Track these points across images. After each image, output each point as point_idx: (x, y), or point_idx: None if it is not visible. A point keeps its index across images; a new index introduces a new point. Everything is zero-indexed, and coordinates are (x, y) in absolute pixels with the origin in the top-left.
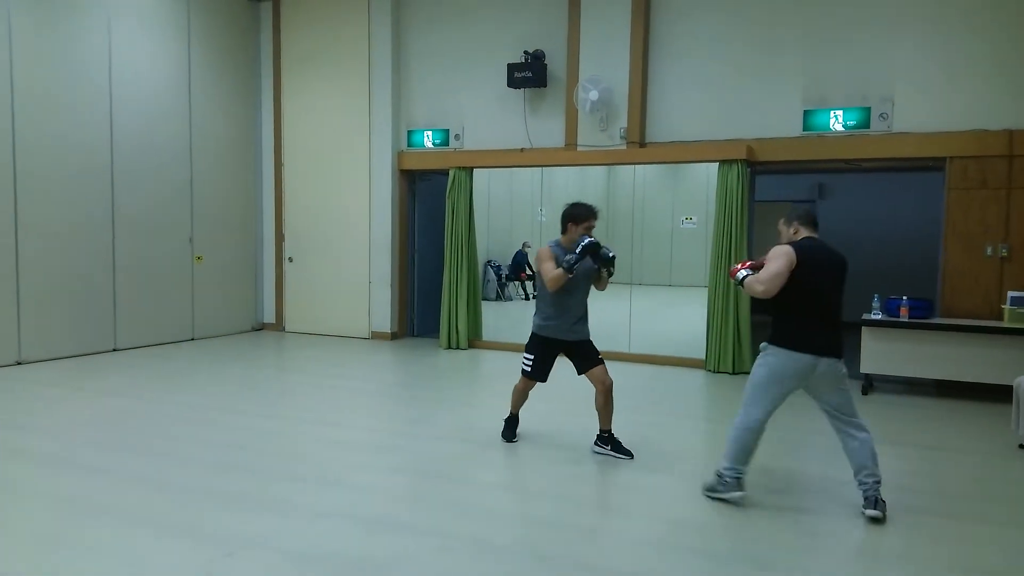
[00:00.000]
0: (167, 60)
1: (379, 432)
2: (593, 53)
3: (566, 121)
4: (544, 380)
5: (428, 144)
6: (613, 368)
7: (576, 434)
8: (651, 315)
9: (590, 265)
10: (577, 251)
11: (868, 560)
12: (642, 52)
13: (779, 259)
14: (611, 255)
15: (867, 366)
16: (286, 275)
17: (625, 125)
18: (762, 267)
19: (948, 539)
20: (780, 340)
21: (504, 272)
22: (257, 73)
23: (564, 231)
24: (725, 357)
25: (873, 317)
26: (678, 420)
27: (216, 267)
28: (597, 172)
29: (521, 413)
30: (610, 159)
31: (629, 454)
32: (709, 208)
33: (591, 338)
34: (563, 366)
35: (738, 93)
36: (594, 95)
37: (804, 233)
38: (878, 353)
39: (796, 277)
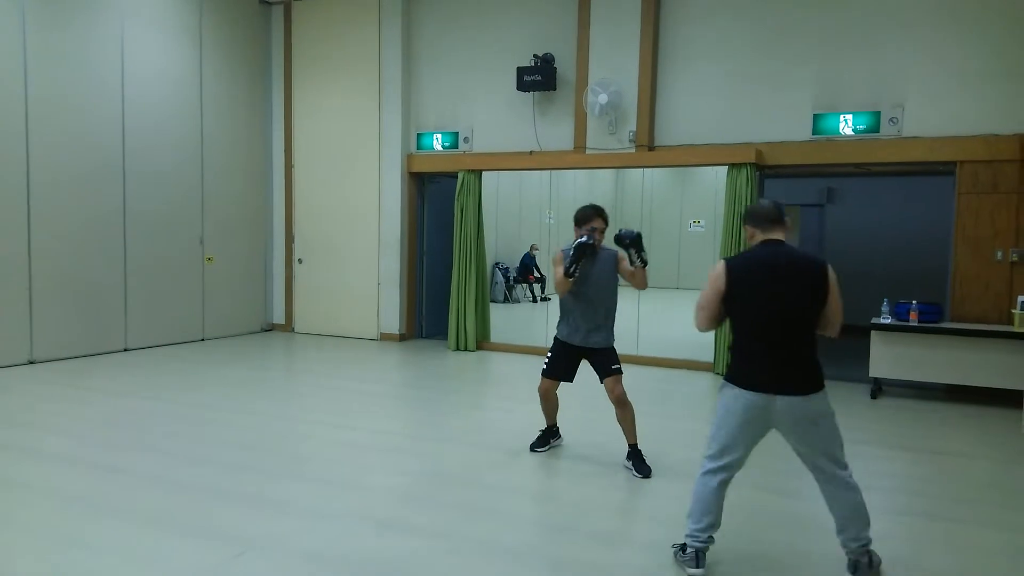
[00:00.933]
0: (179, 62)
1: (389, 434)
2: (602, 56)
3: (575, 124)
4: (566, 379)
5: (437, 147)
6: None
7: (593, 438)
8: (659, 318)
9: (603, 269)
10: (571, 253)
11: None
12: (651, 55)
13: (707, 287)
14: (633, 234)
15: (876, 370)
16: (296, 276)
17: (634, 128)
18: None
19: (958, 545)
20: (728, 374)
21: (512, 274)
22: (268, 75)
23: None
24: None
25: (883, 321)
26: (687, 424)
27: (226, 268)
28: (606, 175)
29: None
30: (619, 162)
31: (644, 472)
32: (717, 212)
33: (613, 346)
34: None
35: (747, 97)
36: (603, 98)
37: (760, 238)
38: (887, 357)
39: (735, 299)
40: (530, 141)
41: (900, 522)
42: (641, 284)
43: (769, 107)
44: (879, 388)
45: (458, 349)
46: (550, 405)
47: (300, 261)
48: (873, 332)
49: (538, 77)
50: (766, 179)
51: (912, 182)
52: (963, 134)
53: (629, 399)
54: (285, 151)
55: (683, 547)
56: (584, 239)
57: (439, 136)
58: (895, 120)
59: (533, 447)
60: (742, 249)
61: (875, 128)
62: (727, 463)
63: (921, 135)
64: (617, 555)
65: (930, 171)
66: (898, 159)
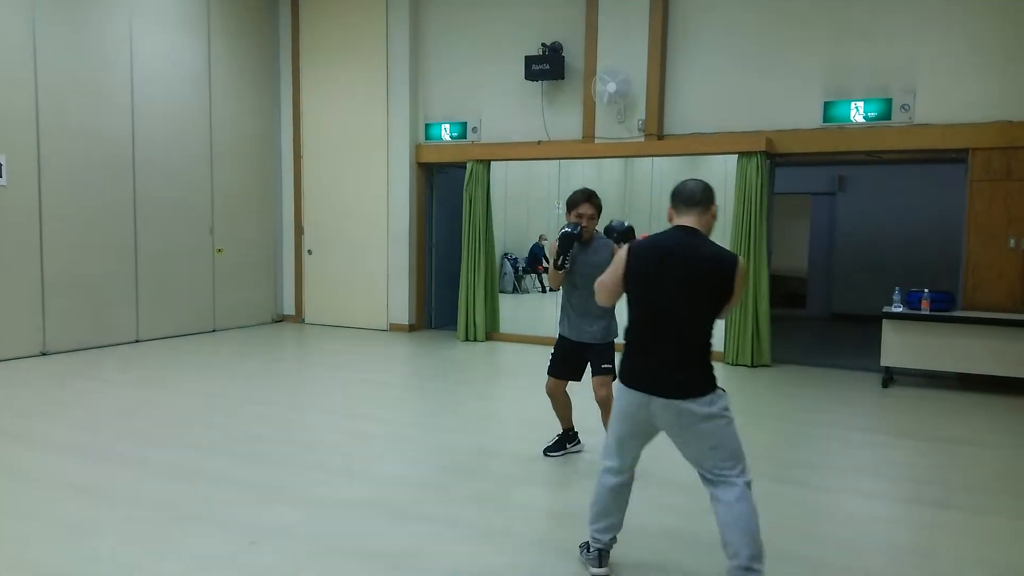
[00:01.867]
0: (187, 54)
1: (399, 424)
2: (611, 45)
3: (583, 113)
4: (572, 378)
5: (446, 137)
6: None
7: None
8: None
9: (597, 259)
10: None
11: (889, 554)
12: (660, 43)
13: (611, 267)
14: (623, 227)
15: (888, 359)
16: (305, 267)
17: (643, 117)
18: None
19: (972, 534)
20: (619, 367)
21: (521, 265)
22: (276, 66)
23: None
24: (744, 350)
25: (894, 310)
26: None
27: (237, 259)
28: (614, 164)
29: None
30: (628, 151)
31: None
32: (728, 201)
33: (612, 342)
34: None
35: (757, 84)
36: (612, 87)
37: (675, 221)
38: (899, 346)
39: (630, 286)
40: (538, 131)
41: (911, 510)
42: None
43: (779, 95)
44: (891, 377)
45: (467, 340)
46: (559, 404)
47: (310, 252)
48: (885, 321)
49: (546, 66)
50: (777, 167)
51: (924, 169)
52: (976, 121)
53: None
54: (294, 142)
55: (587, 545)
56: (568, 229)
57: (447, 126)
58: (907, 107)
59: (547, 451)
60: (755, 239)
61: (886, 115)
62: (618, 464)
63: (933, 122)
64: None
65: (942, 158)
66: (910, 146)
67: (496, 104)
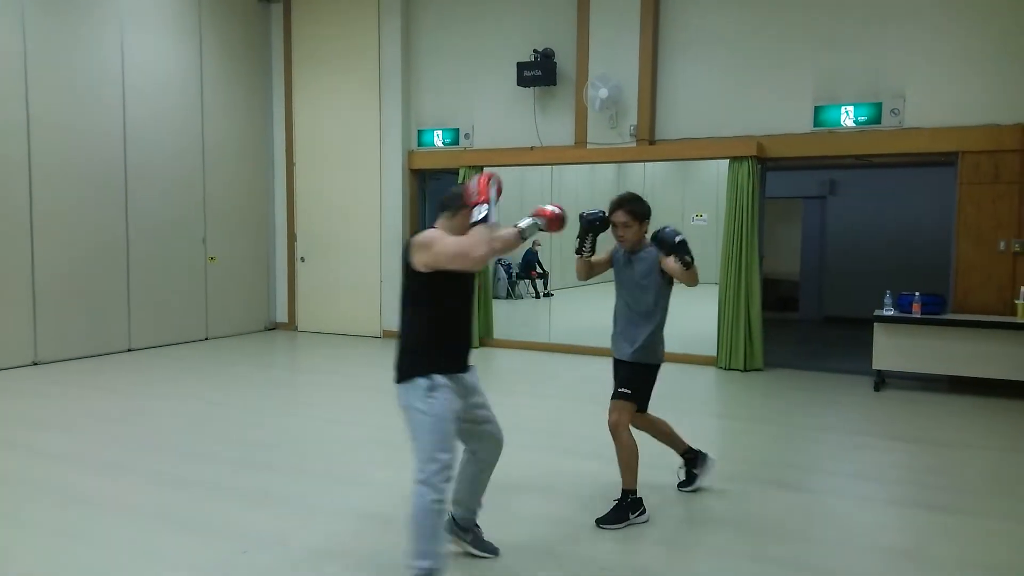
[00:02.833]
0: (179, 62)
1: (393, 430)
2: (603, 51)
3: (576, 119)
4: (636, 408)
5: (438, 143)
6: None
7: (599, 437)
8: None
9: (639, 269)
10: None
11: (881, 557)
12: (652, 49)
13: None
14: (673, 241)
15: (879, 362)
16: (298, 275)
17: (635, 123)
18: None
19: (961, 536)
20: None
21: (515, 271)
22: (268, 73)
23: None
24: (736, 354)
25: (885, 313)
26: (690, 417)
27: (229, 267)
28: (607, 170)
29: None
30: (620, 157)
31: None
32: (719, 205)
33: (641, 363)
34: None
35: (748, 89)
36: (604, 93)
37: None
38: (890, 349)
39: None
40: (531, 137)
41: (903, 513)
42: (689, 279)
43: (770, 100)
44: (882, 380)
45: None
46: (654, 432)
47: (303, 259)
48: (876, 324)
49: (538, 72)
50: (768, 172)
51: (914, 173)
52: (965, 124)
53: (626, 434)
54: (286, 150)
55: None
56: (586, 212)
57: (440, 133)
58: (896, 111)
59: (680, 487)
60: (747, 243)
61: (876, 119)
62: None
63: (922, 126)
64: (619, 548)
65: (932, 162)
66: (900, 150)
67: (488, 110)
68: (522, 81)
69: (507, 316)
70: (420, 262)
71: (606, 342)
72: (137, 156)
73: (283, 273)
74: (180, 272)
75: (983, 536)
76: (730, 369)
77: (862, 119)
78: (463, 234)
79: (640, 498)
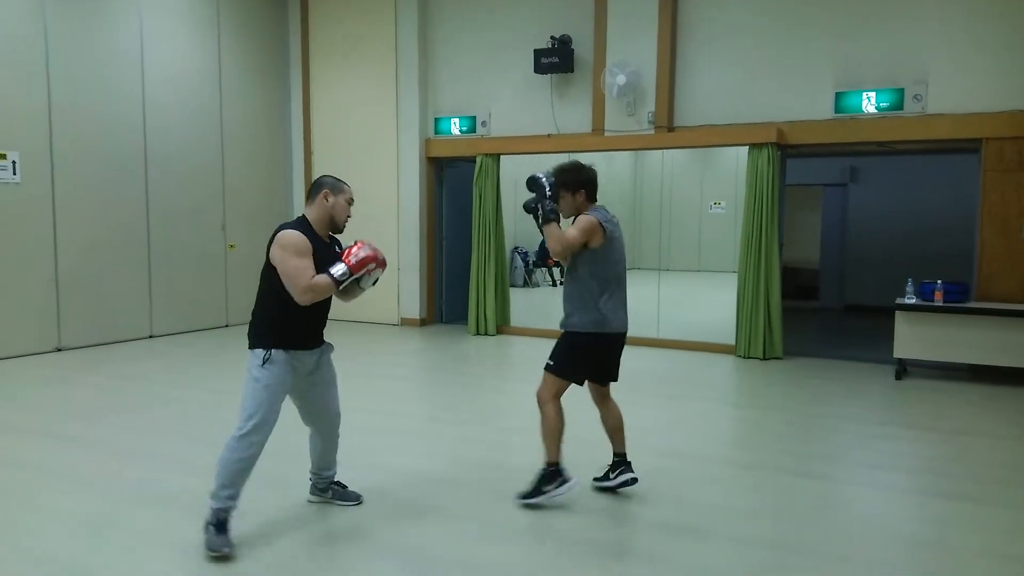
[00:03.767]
0: (198, 52)
1: (411, 417)
2: (620, 37)
3: (593, 106)
4: (593, 381)
5: (455, 131)
6: (643, 354)
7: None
8: (680, 301)
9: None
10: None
11: (902, 547)
12: (670, 35)
13: None
14: (535, 180)
15: (901, 351)
16: None
17: (653, 109)
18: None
19: (984, 526)
20: None
21: (532, 258)
22: (286, 62)
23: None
24: (756, 342)
25: (907, 301)
26: (708, 406)
27: (248, 255)
28: (624, 157)
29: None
30: (638, 144)
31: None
32: (738, 192)
33: (569, 331)
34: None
35: (768, 75)
36: (621, 79)
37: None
38: (912, 338)
39: None
40: (548, 124)
41: (924, 502)
42: (548, 242)
43: (790, 85)
44: (904, 369)
45: (478, 334)
46: (603, 417)
47: None
48: (898, 312)
49: (555, 59)
50: (788, 158)
51: (937, 160)
52: (989, 110)
53: (548, 407)
54: (304, 138)
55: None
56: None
57: (456, 120)
58: (919, 97)
59: (595, 480)
60: (767, 231)
61: (899, 105)
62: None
63: (946, 112)
64: (629, 533)
65: (955, 148)
66: (922, 136)
67: (505, 98)
68: (539, 68)
69: (524, 304)
70: (273, 258)
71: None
72: (157, 145)
73: None
74: (200, 259)
75: (1006, 526)
76: (749, 358)
77: (884, 105)
78: (324, 219)
79: (558, 470)
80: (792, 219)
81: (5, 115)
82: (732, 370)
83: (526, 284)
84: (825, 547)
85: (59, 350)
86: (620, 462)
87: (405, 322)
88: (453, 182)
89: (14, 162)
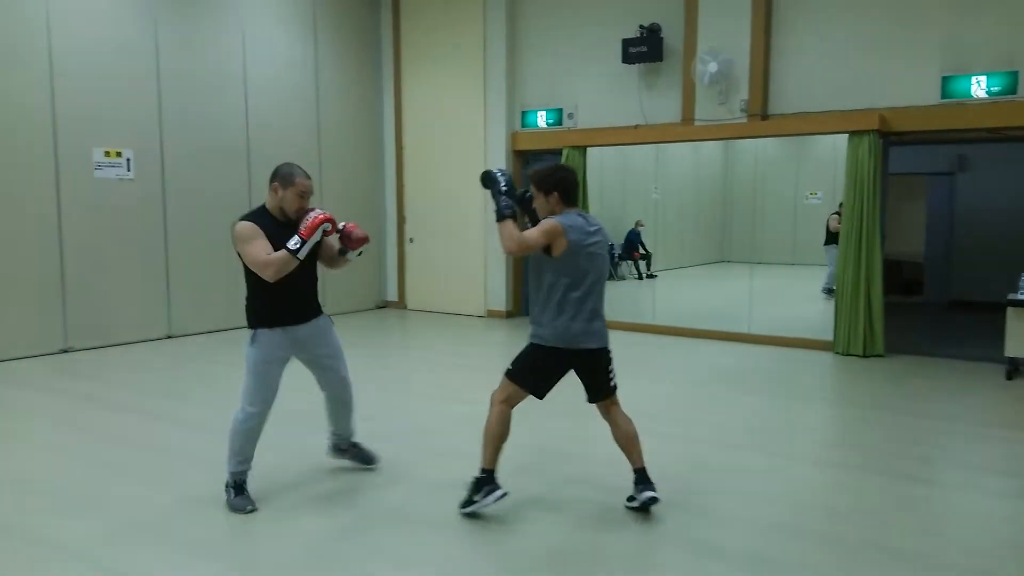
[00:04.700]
0: (296, 53)
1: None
2: (712, 23)
3: (683, 95)
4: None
5: (542, 124)
6: (734, 350)
7: (700, 419)
8: (773, 295)
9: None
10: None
11: (1012, 555)
12: (764, 19)
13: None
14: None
15: (1012, 349)
16: (407, 255)
17: (746, 97)
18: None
19: None
20: None
21: (617, 251)
22: (379, 63)
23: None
24: (856, 339)
25: (1019, 297)
26: (805, 405)
27: None
28: (713, 147)
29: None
30: (729, 133)
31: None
32: (836, 182)
33: (531, 342)
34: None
35: (869, 59)
36: (713, 67)
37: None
38: None
39: None
40: (635, 115)
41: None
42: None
43: (893, 69)
44: (1015, 368)
45: None
46: (613, 432)
47: (411, 240)
48: (1009, 308)
49: (644, 48)
50: (891, 147)
51: None
52: None
53: (493, 409)
54: (396, 134)
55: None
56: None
57: (543, 113)
58: None
59: (629, 501)
60: (868, 222)
61: (1011, 90)
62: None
63: None
64: (727, 531)
65: None
66: None
67: (592, 89)
68: (627, 58)
69: (609, 297)
70: (239, 249)
71: (711, 324)
72: (258, 145)
73: (393, 253)
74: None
75: None
76: (848, 355)
77: (995, 89)
78: (277, 208)
79: (489, 478)
80: (895, 210)
81: (120, 116)
82: (830, 368)
83: (611, 277)
84: (930, 552)
85: (170, 337)
86: (639, 479)
87: (491, 314)
88: None
89: (128, 159)
